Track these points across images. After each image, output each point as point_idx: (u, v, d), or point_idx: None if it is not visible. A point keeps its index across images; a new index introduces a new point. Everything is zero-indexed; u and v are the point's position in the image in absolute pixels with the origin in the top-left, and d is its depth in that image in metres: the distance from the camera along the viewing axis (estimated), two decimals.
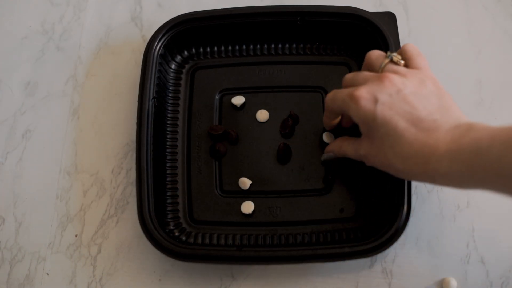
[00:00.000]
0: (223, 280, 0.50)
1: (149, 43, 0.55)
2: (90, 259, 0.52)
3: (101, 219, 0.54)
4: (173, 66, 0.58)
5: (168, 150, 0.54)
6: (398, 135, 0.40)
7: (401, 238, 0.47)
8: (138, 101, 0.52)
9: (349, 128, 0.51)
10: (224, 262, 0.49)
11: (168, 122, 0.55)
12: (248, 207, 0.51)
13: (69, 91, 0.60)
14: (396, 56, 0.44)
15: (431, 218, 0.51)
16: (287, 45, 0.58)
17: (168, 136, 0.55)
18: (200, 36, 0.57)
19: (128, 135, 0.56)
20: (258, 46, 0.58)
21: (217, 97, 0.57)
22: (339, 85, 0.55)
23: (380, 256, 0.50)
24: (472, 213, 0.51)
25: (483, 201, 0.52)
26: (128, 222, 0.53)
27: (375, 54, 0.46)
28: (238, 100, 0.56)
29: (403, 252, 0.50)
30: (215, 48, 0.59)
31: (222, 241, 0.50)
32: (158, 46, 0.55)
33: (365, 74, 0.44)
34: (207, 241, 0.51)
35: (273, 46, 0.58)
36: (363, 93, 0.41)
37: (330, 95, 0.46)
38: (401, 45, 0.54)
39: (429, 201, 0.52)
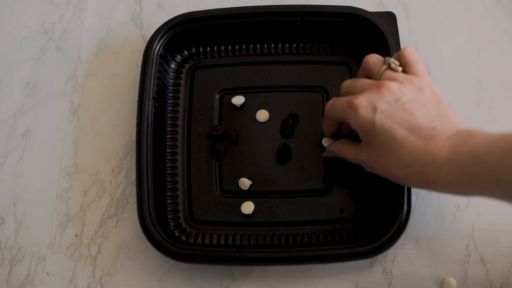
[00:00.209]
0: (223, 280, 0.50)
1: (149, 43, 0.55)
2: (90, 259, 0.52)
3: (101, 219, 0.54)
4: (173, 66, 0.58)
5: (168, 150, 0.54)
6: (397, 143, 0.40)
7: (401, 238, 0.47)
8: (138, 101, 0.52)
9: (349, 133, 0.51)
10: (224, 263, 0.49)
11: (168, 122, 0.55)
12: (248, 207, 0.51)
13: (69, 91, 0.60)
14: (394, 63, 0.44)
15: (431, 218, 0.51)
16: (287, 45, 0.58)
17: (168, 136, 0.55)
18: (199, 36, 0.57)
19: (128, 135, 0.56)
20: (258, 46, 0.58)
21: (217, 97, 0.57)
22: (339, 85, 0.55)
23: (380, 256, 0.50)
24: (472, 213, 0.51)
25: (483, 201, 0.51)
26: (128, 222, 0.53)
27: (373, 59, 0.45)
28: (238, 100, 0.56)
29: (403, 252, 0.50)
30: (215, 48, 0.59)
31: (222, 242, 0.50)
32: (158, 46, 0.55)
33: (363, 81, 0.44)
34: (207, 241, 0.51)
35: (273, 46, 0.58)
36: (362, 102, 0.41)
37: (329, 103, 0.46)
38: (401, 45, 0.54)
39: (429, 201, 0.52)
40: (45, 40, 0.62)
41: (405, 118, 0.40)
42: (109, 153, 0.56)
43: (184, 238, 0.51)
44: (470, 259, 0.50)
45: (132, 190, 0.54)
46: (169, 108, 0.56)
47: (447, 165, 0.37)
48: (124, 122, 0.57)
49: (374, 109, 0.41)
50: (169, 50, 0.57)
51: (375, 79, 0.44)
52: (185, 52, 0.58)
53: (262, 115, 0.55)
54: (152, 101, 0.53)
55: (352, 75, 0.56)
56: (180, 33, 0.56)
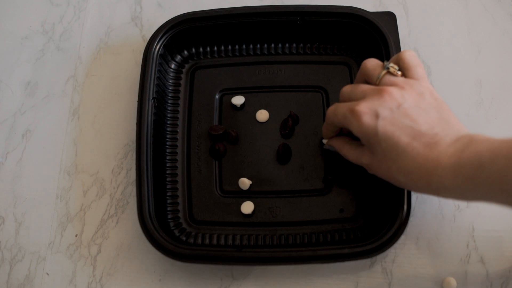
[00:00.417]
0: (223, 280, 0.50)
1: (149, 43, 0.55)
2: (90, 259, 0.52)
3: (101, 219, 0.54)
4: (173, 66, 0.58)
5: (168, 150, 0.54)
6: (400, 150, 0.40)
7: (401, 238, 0.47)
8: (138, 101, 0.52)
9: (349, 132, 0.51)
10: (224, 263, 0.49)
11: (168, 122, 0.55)
12: (248, 207, 0.51)
13: (69, 91, 0.60)
14: (393, 67, 0.44)
15: (431, 218, 0.51)
16: (287, 45, 0.58)
17: (168, 136, 0.55)
18: (199, 36, 0.57)
19: (128, 135, 0.56)
20: (258, 46, 0.58)
21: (217, 97, 0.57)
22: (339, 85, 0.56)
23: (380, 256, 0.50)
24: (472, 213, 0.51)
25: None
26: (128, 222, 0.53)
27: (371, 64, 0.45)
28: (238, 100, 0.56)
29: (403, 252, 0.50)
30: (215, 48, 0.59)
31: (222, 242, 0.50)
32: (158, 46, 0.55)
33: (363, 87, 0.43)
34: (207, 241, 0.51)
35: (273, 46, 0.58)
36: (364, 109, 0.41)
37: (331, 109, 0.46)
38: (401, 45, 0.54)
39: (429, 201, 0.52)
40: (45, 40, 0.62)
41: (408, 125, 0.40)
42: (109, 153, 0.56)
43: (184, 238, 0.51)
44: (470, 259, 0.50)
45: (132, 190, 0.54)
46: (169, 108, 0.56)
47: (450, 172, 0.37)
48: (124, 122, 0.57)
49: (377, 116, 0.41)
50: (169, 50, 0.57)
51: (374, 84, 0.44)
52: (185, 52, 0.58)
53: (262, 115, 0.55)
54: (152, 101, 0.53)
55: (352, 75, 0.56)
56: (180, 33, 0.56)
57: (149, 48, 0.54)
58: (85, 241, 0.53)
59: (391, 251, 0.50)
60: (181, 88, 0.57)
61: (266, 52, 0.58)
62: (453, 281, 0.48)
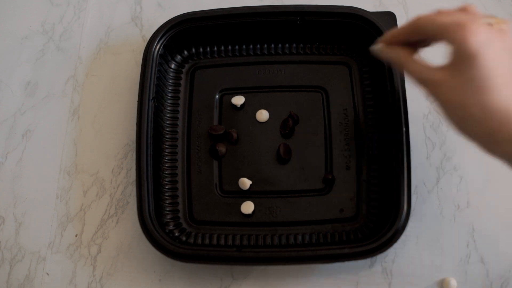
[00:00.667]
0: (223, 280, 0.50)
1: (149, 43, 0.55)
2: (90, 259, 0.52)
3: (101, 219, 0.54)
4: (173, 66, 0.58)
5: (168, 150, 0.54)
6: (494, 85, 0.37)
7: (401, 238, 0.47)
8: (138, 101, 0.52)
9: None
10: (224, 263, 0.49)
11: (168, 122, 0.55)
12: (248, 207, 0.51)
13: (69, 91, 0.60)
14: (498, 22, 0.39)
15: (431, 218, 0.51)
16: (287, 45, 0.58)
17: (167, 136, 0.55)
18: (200, 36, 0.57)
19: (128, 135, 0.56)
20: (258, 46, 0.58)
21: (217, 97, 0.57)
22: (339, 85, 0.56)
23: (380, 256, 0.50)
24: (472, 213, 0.51)
25: (483, 201, 0.52)
26: (128, 222, 0.53)
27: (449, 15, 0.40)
28: (238, 100, 0.56)
29: (403, 252, 0.50)
30: (215, 48, 0.59)
31: (222, 242, 0.50)
32: (158, 46, 0.55)
33: (483, 16, 0.39)
34: (207, 241, 0.51)
35: (273, 46, 0.58)
36: (481, 30, 0.37)
37: (427, 16, 0.41)
38: None
39: (429, 201, 0.52)
40: (45, 40, 0.62)
41: None
42: (109, 153, 0.56)
43: (184, 238, 0.51)
44: (470, 259, 0.50)
45: (132, 190, 0.54)
46: (169, 108, 0.56)
47: None
48: (124, 122, 0.57)
49: (490, 41, 0.37)
50: (169, 50, 0.57)
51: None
52: (185, 52, 0.58)
53: (262, 115, 0.55)
54: (152, 101, 0.52)
55: (352, 75, 0.56)
56: (180, 33, 0.56)
57: (149, 48, 0.54)
58: (85, 241, 0.53)
59: (391, 251, 0.50)
60: (181, 88, 0.57)
61: (266, 52, 0.58)
62: (453, 281, 0.48)
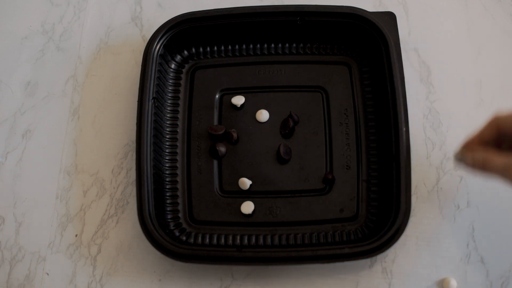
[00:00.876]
0: (223, 280, 0.50)
1: (149, 43, 0.55)
2: (90, 259, 0.52)
3: (101, 219, 0.54)
4: (173, 66, 0.58)
5: (168, 150, 0.54)
6: None
7: (401, 238, 0.47)
8: (138, 101, 0.52)
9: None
10: (224, 263, 0.49)
11: (168, 122, 0.55)
12: (248, 207, 0.51)
13: (69, 91, 0.60)
14: None
15: (431, 218, 0.51)
16: (287, 45, 0.58)
17: (167, 136, 0.55)
18: (200, 36, 0.57)
19: (128, 135, 0.56)
20: (258, 46, 0.58)
21: (217, 97, 0.57)
22: (339, 85, 0.56)
23: (380, 256, 0.50)
24: (472, 213, 0.51)
25: (483, 201, 0.52)
26: (128, 222, 0.53)
27: None
28: (238, 100, 0.56)
29: (403, 252, 0.50)
30: (215, 48, 0.59)
31: (222, 242, 0.50)
32: (158, 46, 0.55)
33: None
34: (207, 241, 0.51)
35: (273, 46, 0.58)
36: None
37: (508, 113, 0.42)
38: (401, 45, 0.54)
39: (429, 201, 0.52)
40: (45, 40, 0.62)
41: None
42: (109, 153, 0.56)
43: (184, 238, 0.51)
44: (470, 259, 0.50)
45: (132, 190, 0.54)
46: (169, 108, 0.56)
47: None
48: (124, 122, 0.57)
49: None
50: (169, 50, 0.57)
51: None
52: (185, 52, 0.58)
53: (262, 115, 0.55)
54: (152, 101, 0.53)
55: (352, 75, 0.56)
56: (180, 33, 0.56)
57: (149, 48, 0.54)
58: (85, 241, 0.53)
59: (391, 251, 0.50)
60: (181, 88, 0.57)
61: (266, 52, 0.58)
62: (453, 281, 0.48)
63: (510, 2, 0.60)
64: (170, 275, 0.51)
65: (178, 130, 0.55)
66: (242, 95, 0.56)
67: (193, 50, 0.58)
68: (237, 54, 0.58)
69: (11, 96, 0.60)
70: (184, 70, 0.58)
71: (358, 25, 0.54)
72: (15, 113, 0.59)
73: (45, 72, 0.61)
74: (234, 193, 0.53)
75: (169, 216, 0.52)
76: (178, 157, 0.54)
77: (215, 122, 0.56)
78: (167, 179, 0.53)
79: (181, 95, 0.57)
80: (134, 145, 0.54)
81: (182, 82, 0.58)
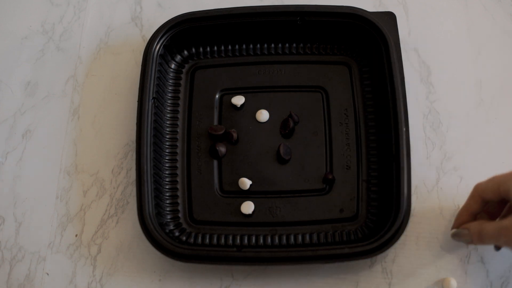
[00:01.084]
0: (223, 280, 0.50)
1: (149, 43, 0.55)
2: (90, 259, 0.52)
3: (101, 219, 0.54)
4: (173, 66, 0.58)
5: (168, 150, 0.54)
6: None
7: (401, 238, 0.47)
8: (138, 101, 0.52)
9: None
10: (224, 263, 0.49)
11: (168, 122, 0.55)
12: (248, 207, 0.51)
13: (69, 91, 0.60)
14: None
15: (431, 218, 0.51)
16: (287, 45, 0.58)
17: (168, 136, 0.55)
18: (199, 36, 0.57)
19: (128, 135, 0.56)
20: (258, 46, 0.58)
21: (217, 97, 0.57)
22: (339, 85, 0.56)
23: (380, 256, 0.50)
24: None
25: None
26: (128, 222, 0.53)
27: None
28: (238, 100, 0.56)
29: (403, 252, 0.50)
30: (215, 48, 0.59)
31: (222, 242, 0.50)
32: (158, 46, 0.55)
33: None
34: (207, 241, 0.51)
35: (273, 46, 0.58)
36: None
37: (486, 180, 0.45)
38: (401, 45, 0.54)
39: (429, 201, 0.52)
40: (45, 40, 0.62)
41: None
42: (109, 153, 0.56)
43: (184, 238, 0.51)
44: (470, 259, 0.50)
45: (132, 190, 0.54)
46: (169, 108, 0.56)
47: None
48: (124, 122, 0.57)
49: None
50: (169, 50, 0.57)
51: None
52: (185, 52, 0.58)
53: (262, 115, 0.55)
54: (152, 101, 0.53)
55: (352, 75, 0.56)
56: (180, 33, 0.56)
57: (149, 48, 0.54)
58: (85, 241, 0.53)
59: (391, 251, 0.50)
60: (181, 88, 0.57)
61: (266, 52, 0.58)
62: (453, 281, 0.48)
63: (510, 2, 0.60)
64: (170, 275, 0.51)
65: (178, 130, 0.55)
66: (242, 95, 0.56)
67: (193, 50, 0.58)
68: (237, 54, 0.58)
69: (11, 96, 0.60)
70: (184, 70, 0.58)
71: (358, 25, 0.54)
72: (15, 113, 0.59)
73: (45, 72, 0.61)
74: (234, 193, 0.53)
75: (169, 216, 0.52)
76: (178, 157, 0.54)
77: (215, 122, 0.56)
78: (167, 179, 0.53)
79: (181, 95, 0.57)
80: (134, 145, 0.54)
81: (182, 82, 0.58)
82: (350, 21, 0.54)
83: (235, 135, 0.54)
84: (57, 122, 0.58)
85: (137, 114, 0.52)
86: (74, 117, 0.58)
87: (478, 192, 0.46)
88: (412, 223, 0.51)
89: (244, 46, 0.58)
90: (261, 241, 0.50)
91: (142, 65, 0.54)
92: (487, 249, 0.50)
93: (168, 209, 0.52)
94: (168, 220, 0.51)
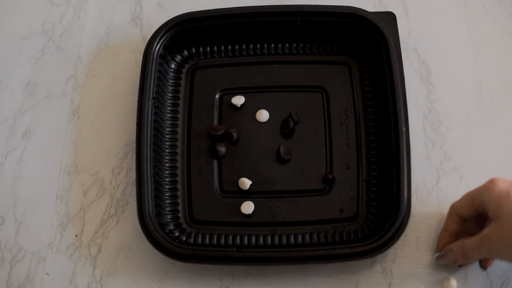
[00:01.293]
0: (223, 280, 0.50)
1: (149, 43, 0.55)
2: (90, 259, 0.52)
3: (101, 219, 0.54)
4: (173, 66, 0.58)
5: (168, 150, 0.54)
6: None
7: (401, 238, 0.47)
8: (138, 101, 0.52)
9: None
10: (224, 263, 0.49)
11: (168, 122, 0.55)
12: (248, 207, 0.51)
13: (69, 91, 0.60)
14: None
15: (431, 218, 0.51)
16: (287, 45, 0.58)
17: (168, 136, 0.55)
18: (199, 36, 0.57)
19: (128, 135, 0.56)
20: (258, 46, 0.58)
21: (217, 97, 0.57)
22: (339, 85, 0.56)
23: (380, 256, 0.49)
24: None
25: None
26: (128, 222, 0.53)
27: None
28: (238, 100, 0.56)
29: (403, 252, 0.50)
30: (215, 48, 0.59)
31: (222, 242, 0.50)
32: (158, 46, 0.55)
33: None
34: (207, 241, 0.51)
35: (273, 46, 0.58)
36: (502, 180, 0.43)
37: (460, 199, 0.47)
38: (401, 45, 0.54)
39: (429, 201, 0.52)
40: (45, 40, 0.62)
41: None
42: (109, 153, 0.56)
43: (184, 238, 0.51)
44: None
45: (132, 190, 0.54)
46: (169, 108, 0.56)
47: None
48: (124, 122, 0.57)
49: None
50: (169, 50, 0.57)
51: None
52: (185, 52, 0.58)
53: (262, 115, 0.55)
54: (152, 101, 0.53)
55: (352, 75, 0.56)
56: (180, 33, 0.56)
57: (149, 48, 0.54)
58: (85, 241, 0.53)
59: (391, 251, 0.50)
60: (181, 88, 0.57)
61: (266, 52, 0.58)
62: (453, 281, 0.48)
63: (510, 2, 0.60)
64: (170, 275, 0.51)
65: (178, 130, 0.55)
66: (242, 95, 0.56)
67: (193, 50, 0.58)
68: (237, 54, 0.58)
69: (11, 96, 0.60)
70: (184, 70, 0.58)
71: (358, 25, 0.54)
72: (15, 113, 0.59)
73: (45, 72, 0.61)
74: (234, 193, 0.53)
75: (169, 216, 0.52)
76: (178, 157, 0.54)
77: (215, 122, 0.56)
78: (167, 179, 0.53)
79: (181, 95, 0.57)
80: (134, 145, 0.54)
81: (182, 82, 0.58)
82: (350, 21, 0.54)
83: (235, 135, 0.54)
84: (57, 122, 0.58)
85: (137, 114, 0.52)
86: (74, 117, 0.58)
87: (455, 210, 0.47)
88: (412, 223, 0.51)
89: (244, 46, 0.58)
90: (261, 241, 0.50)
91: (142, 65, 0.54)
92: None
93: (168, 209, 0.52)
94: (168, 220, 0.51)
